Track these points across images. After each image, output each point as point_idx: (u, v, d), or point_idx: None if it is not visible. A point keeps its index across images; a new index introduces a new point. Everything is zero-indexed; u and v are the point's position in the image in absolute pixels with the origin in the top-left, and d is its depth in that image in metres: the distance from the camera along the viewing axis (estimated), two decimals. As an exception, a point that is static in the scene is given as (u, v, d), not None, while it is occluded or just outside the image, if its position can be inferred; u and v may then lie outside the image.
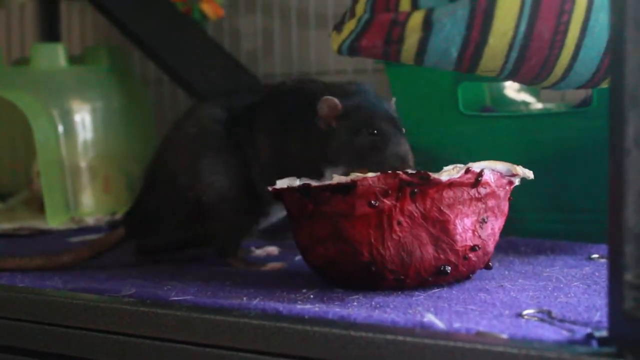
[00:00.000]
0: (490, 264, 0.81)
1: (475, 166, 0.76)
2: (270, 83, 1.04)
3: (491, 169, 0.77)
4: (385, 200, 0.74)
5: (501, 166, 0.78)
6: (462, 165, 0.76)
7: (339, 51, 0.88)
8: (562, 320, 0.64)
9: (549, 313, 0.66)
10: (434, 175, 0.74)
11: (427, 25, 0.82)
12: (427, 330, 0.62)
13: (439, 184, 0.74)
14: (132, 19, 1.39)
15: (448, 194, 0.75)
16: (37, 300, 0.79)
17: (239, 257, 0.96)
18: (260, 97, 0.96)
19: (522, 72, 0.85)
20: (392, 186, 0.74)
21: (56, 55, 1.37)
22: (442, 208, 0.75)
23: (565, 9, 0.82)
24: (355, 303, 0.72)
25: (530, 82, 0.88)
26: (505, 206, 0.80)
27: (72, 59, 1.40)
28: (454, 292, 0.76)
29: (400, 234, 0.74)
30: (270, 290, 0.79)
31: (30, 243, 1.16)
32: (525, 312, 0.67)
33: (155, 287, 0.81)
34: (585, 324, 0.63)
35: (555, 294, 0.74)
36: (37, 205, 1.37)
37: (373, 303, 0.72)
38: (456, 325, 0.63)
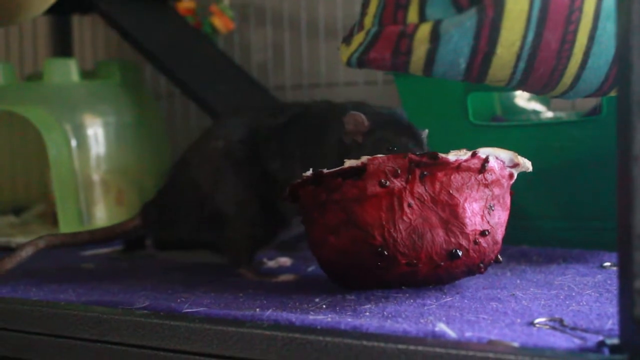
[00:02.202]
0: (499, 257, 0.81)
1: (481, 152, 0.78)
2: (298, 102, 1.05)
3: (495, 157, 0.78)
4: (395, 181, 0.75)
5: (504, 154, 0.79)
6: (467, 150, 0.78)
7: (348, 63, 0.89)
8: (573, 329, 0.64)
9: (560, 321, 0.66)
10: (442, 155, 0.76)
11: (435, 36, 0.82)
12: (439, 340, 0.62)
13: (447, 165, 0.76)
14: (143, 34, 1.40)
15: (456, 177, 0.76)
16: (51, 313, 0.80)
17: (252, 268, 0.96)
18: (288, 116, 0.96)
19: (531, 82, 0.86)
20: (401, 166, 0.75)
21: (68, 70, 1.38)
22: (451, 191, 0.76)
23: (572, 19, 0.82)
24: (367, 313, 0.72)
25: (539, 91, 0.89)
26: (508, 200, 0.80)
27: (85, 74, 1.41)
28: (465, 301, 0.76)
29: (410, 217, 0.75)
30: (282, 301, 0.79)
31: (44, 256, 1.17)
32: (537, 321, 0.67)
33: (169, 298, 0.81)
34: (597, 332, 0.63)
35: (567, 302, 0.74)
36: (51, 219, 1.38)
37: (385, 313, 0.72)
38: (468, 334, 0.63)
